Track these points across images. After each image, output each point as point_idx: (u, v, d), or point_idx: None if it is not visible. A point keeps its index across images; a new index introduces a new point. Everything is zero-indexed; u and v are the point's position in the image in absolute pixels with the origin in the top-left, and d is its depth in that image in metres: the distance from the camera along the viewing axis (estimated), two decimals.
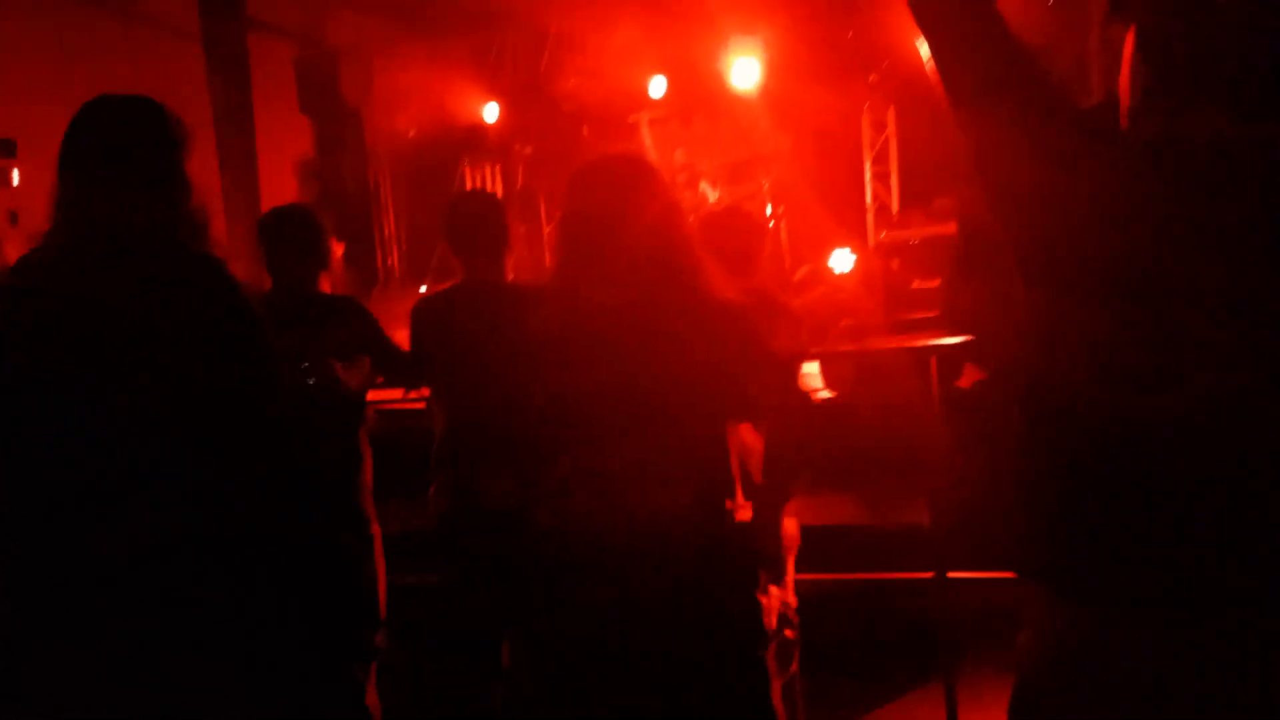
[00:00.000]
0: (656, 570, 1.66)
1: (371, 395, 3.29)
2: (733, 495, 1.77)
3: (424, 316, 2.91)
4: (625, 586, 1.66)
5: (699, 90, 9.11)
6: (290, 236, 2.80)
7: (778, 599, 1.82)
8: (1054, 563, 1.23)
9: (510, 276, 2.94)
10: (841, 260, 7.34)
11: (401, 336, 3.00)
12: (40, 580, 1.61)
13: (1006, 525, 1.30)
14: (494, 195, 3.09)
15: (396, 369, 2.99)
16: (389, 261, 10.73)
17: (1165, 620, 1.13)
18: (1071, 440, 1.20)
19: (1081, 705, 1.18)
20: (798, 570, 3.04)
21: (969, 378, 3.39)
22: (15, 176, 6.96)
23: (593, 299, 1.72)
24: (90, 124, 1.70)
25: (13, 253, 3.21)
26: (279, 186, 8.16)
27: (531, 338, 1.81)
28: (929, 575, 2.92)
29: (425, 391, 3.16)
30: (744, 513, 1.78)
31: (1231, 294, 1.11)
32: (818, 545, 2.54)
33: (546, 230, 9.31)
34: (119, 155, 1.67)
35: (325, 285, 2.87)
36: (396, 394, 3.81)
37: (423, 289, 8.96)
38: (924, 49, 1.28)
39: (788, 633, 2.94)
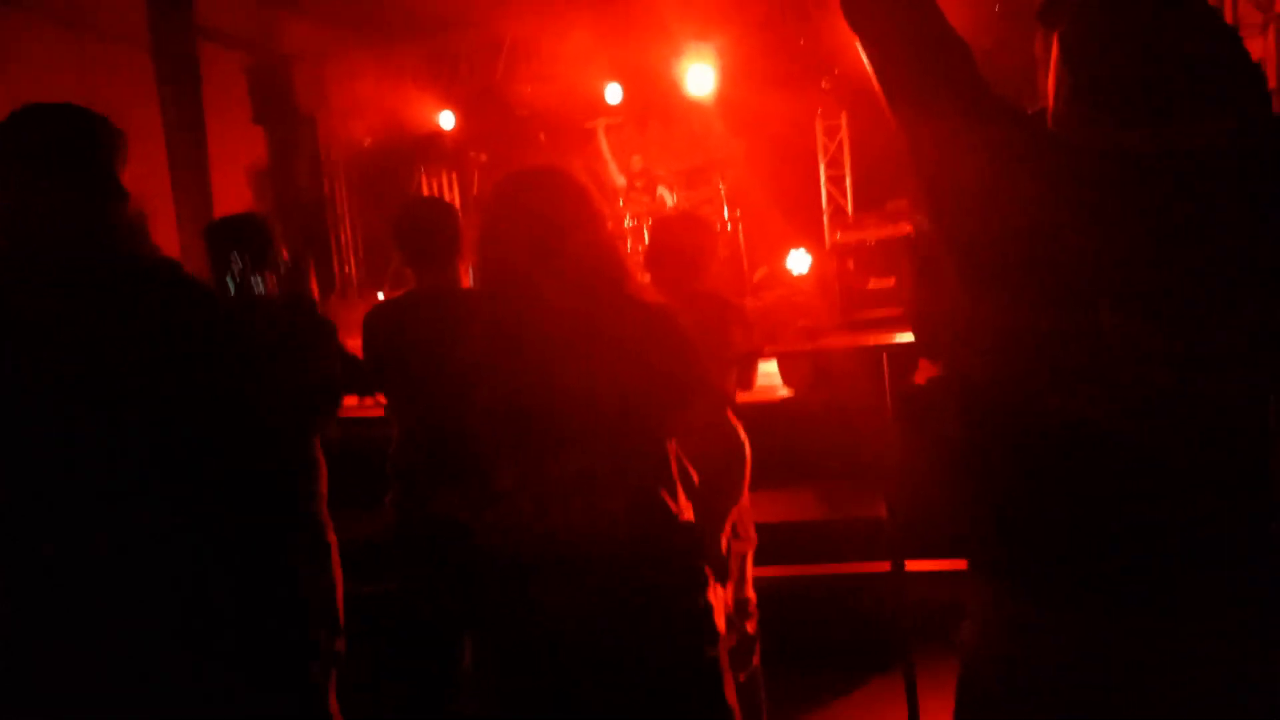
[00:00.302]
0: (600, 576, 1.68)
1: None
2: (674, 498, 1.78)
3: (376, 325, 2.90)
4: (570, 593, 1.67)
5: (655, 96, 9.16)
6: (237, 243, 2.78)
7: (724, 598, 1.83)
8: (991, 557, 1.26)
9: (465, 283, 2.94)
10: (798, 261, 7.42)
11: (357, 344, 2.98)
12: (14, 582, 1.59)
13: (952, 519, 1.33)
14: (445, 201, 3.07)
15: (350, 377, 2.97)
16: (345, 269, 10.64)
17: (1096, 614, 1.16)
18: (1005, 437, 1.23)
19: (1019, 694, 1.22)
20: (757, 565, 3.07)
21: (922, 375, 3.44)
22: None
23: (524, 309, 1.73)
24: (15, 133, 1.66)
25: None
26: (232, 195, 8.07)
27: (466, 349, 1.82)
28: (886, 568, 2.96)
29: (382, 399, 3.15)
30: (687, 514, 1.79)
31: (1157, 295, 1.14)
32: (777, 541, 2.57)
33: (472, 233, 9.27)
34: (47, 163, 1.64)
35: (273, 290, 2.85)
36: (352, 401, 3.79)
37: (380, 296, 8.90)
38: (860, 48, 1.31)
39: (748, 627, 2.97)
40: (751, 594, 3.01)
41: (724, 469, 1.92)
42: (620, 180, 8.63)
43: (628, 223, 8.17)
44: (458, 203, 10.25)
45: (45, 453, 1.58)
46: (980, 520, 1.28)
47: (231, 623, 1.66)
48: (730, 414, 2.87)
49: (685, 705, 1.73)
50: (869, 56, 1.30)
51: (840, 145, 8.97)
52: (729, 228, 8.21)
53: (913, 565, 2.97)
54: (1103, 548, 1.16)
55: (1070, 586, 1.18)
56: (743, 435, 2.86)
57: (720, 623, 1.80)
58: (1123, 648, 1.15)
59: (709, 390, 1.83)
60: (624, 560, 1.69)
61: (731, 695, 1.78)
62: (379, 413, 3.68)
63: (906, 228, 7.09)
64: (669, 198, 8.27)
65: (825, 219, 8.94)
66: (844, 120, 8.87)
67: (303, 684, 2.02)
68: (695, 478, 1.85)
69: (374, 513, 3.01)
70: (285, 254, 2.89)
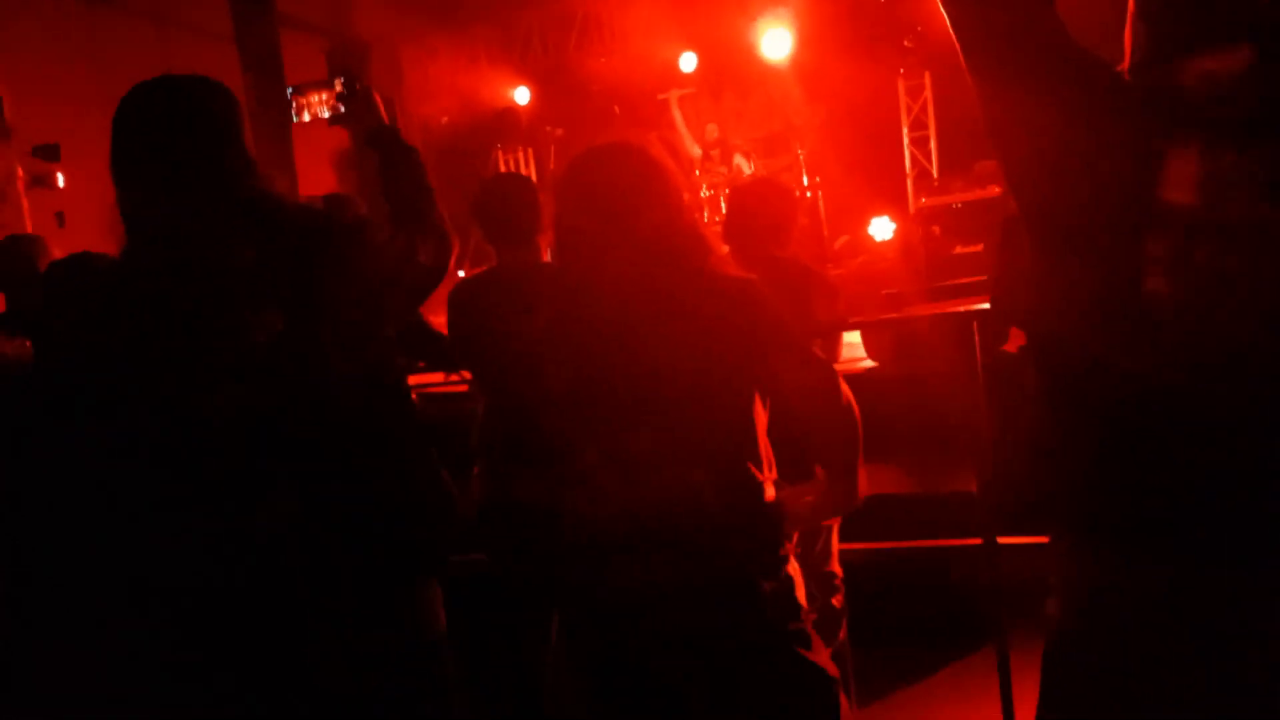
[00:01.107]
0: (685, 549, 1.67)
1: (414, 380, 3.32)
2: (759, 470, 1.75)
3: (459, 301, 2.92)
4: (655, 567, 1.66)
5: (729, 64, 9.04)
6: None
7: (800, 572, 1.80)
8: (1077, 522, 1.24)
9: (545, 258, 2.94)
10: (881, 228, 7.26)
11: (441, 322, 3.02)
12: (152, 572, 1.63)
13: (1040, 488, 1.30)
14: (524, 177, 3.07)
15: (435, 353, 3.01)
16: None
17: (1184, 572, 1.14)
18: (1087, 400, 1.21)
19: (1106, 660, 1.20)
20: (844, 540, 3.02)
21: (1014, 342, 3.33)
22: (60, 179, 7.11)
23: (600, 284, 1.72)
24: (138, 119, 1.64)
25: (61, 254, 3.28)
26: (316, 179, 8.25)
27: (541, 325, 1.81)
28: (978, 542, 2.89)
29: (467, 375, 3.18)
30: (770, 489, 1.76)
31: (1240, 239, 1.10)
32: (864, 515, 2.51)
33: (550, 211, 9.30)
34: (185, 129, 1.61)
35: None
36: (439, 378, 3.85)
37: (460, 274, 9.01)
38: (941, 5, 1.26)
39: (834, 601, 2.93)
40: (838, 568, 2.97)
41: (836, 440, 1.86)
42: (696, 150, 8.55)
43: (704, 193, 8.10)
44: (534, 178, 10.31)
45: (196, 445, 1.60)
46: (1066, 485, 1.26)
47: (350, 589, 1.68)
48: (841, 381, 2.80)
49: (772, 677, 1.71)
50: (949, 13, 1.27)
51: (924, 106, 8.72)
52: (809, 195, 8.07)
53: (1005, 539, 2.89)
54: (1190, 505, 1.13)
55: (1158, 546, 1.16)
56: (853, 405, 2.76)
57: (802, 596, 1.77)
58: (1211, 606, 1.13)
59: (794, 344, 1.78)
60: (709, 533, 1.68)
61: (825, 661, 1.75)
62: (464, 388, 3.73)
63: (995, 190, 6.87)
64: (746, 166, 8.16)
65: (909, 183, 8.72)
66: (928, 80, 8.62)
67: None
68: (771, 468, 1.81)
69: (462, 486, 3.06)
70: None
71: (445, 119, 10.43)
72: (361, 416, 1.67)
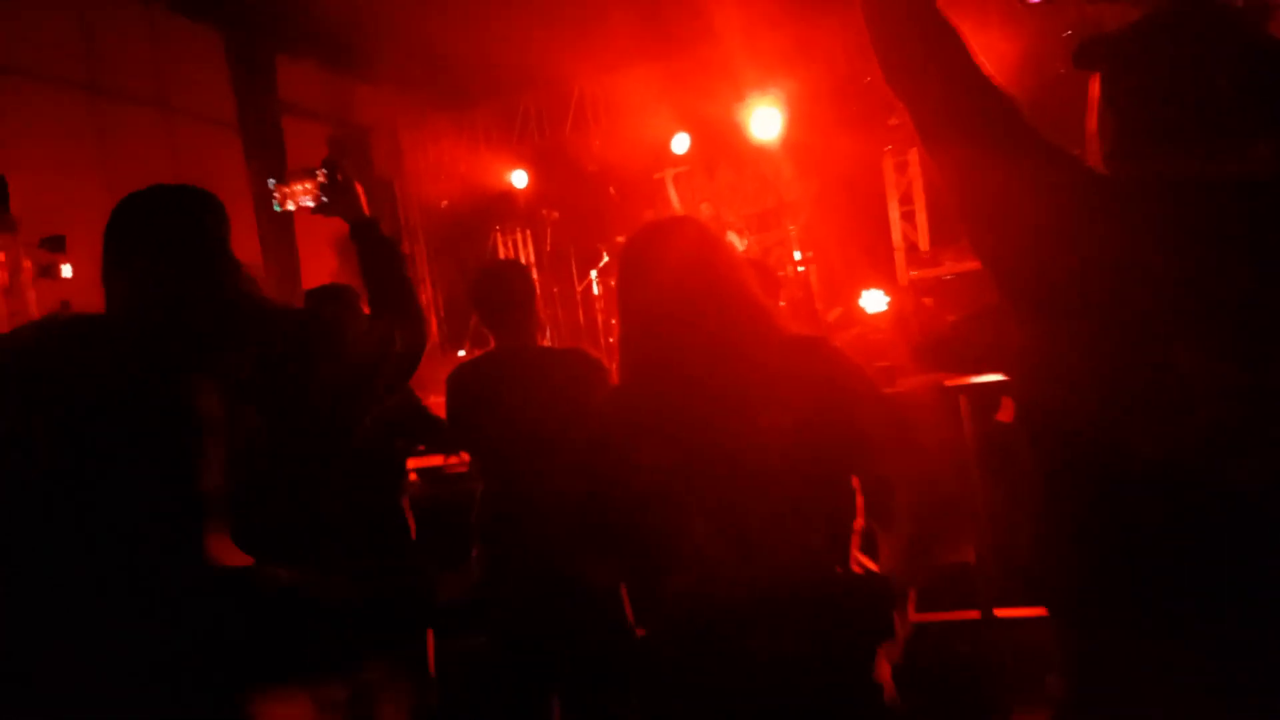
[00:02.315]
0: (812, 619, 1.63)
1: (413, 462, 3.35)
2: (854, 519, 1.74)
3: (459, 384, 2.98)
4: (783, 641, 1.61)
5: (721, 143, 9.24)
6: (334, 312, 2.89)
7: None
8: (1076, 599, 1.24)
9: (542, 340, 3.00)
10: (874, 301, 7.35)
11: (438, 402, 3.07)
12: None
13: (1036, 561, 1.31)
14: (519, 263, 3.14)
15: (434, 436, 3.05)
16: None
17: (1184, 649, 1.14)
18: (1077, 472, 1.22)
19: None
20: None
21: (1006, 412, 3.37)
22: (66, 270, 7.22)
23: (684, 358, 1.70)
24: (130, 218, 1.72)
25: None
26: (319, 264, 8.37)
27: (621, 407, 1.78)
28: (975, 615, 2.89)
29: (466, 456, 3.22)
30: (857, 537, 1.75)
31: (1224, 327, 1.13)
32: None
33: (579, 288, 9.42)
34: (165, 244, 1.69)
35: None
36: (438, 460, 3.88)
37: (461, 353, 9.09)
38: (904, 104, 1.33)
39: None
40: None
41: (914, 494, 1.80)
42: None
43: None
44: (531, 259, 10.46)
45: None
46: (1063, 561, 1.26)
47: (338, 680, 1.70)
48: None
49: None
50: (895, 88, 1.33)
51: (911, 182, 8.92)
52: (801, 269, 8.20)
53: (1002, 612, 2.88)
54: (1186, 582, 1.14)
55: (1157, 623, 1.16)
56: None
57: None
58: (1219, 679, 1.12)
59: (880, 394, 1.76)
60: (834, 599, 1.65)
61: None
62: (463, 469, 3.76)
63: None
64: (739, 243, 8.30)
65: (899, 256, 8.86)
66: (914, 156, 8.82)
67: None
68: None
69: (460, 568, 3.07)
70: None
71: (445, 202, 10.62)
72: (340, 505, 1.72)
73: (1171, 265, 1.16)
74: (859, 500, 1.75)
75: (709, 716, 1.68)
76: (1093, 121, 1.33)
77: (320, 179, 1.93)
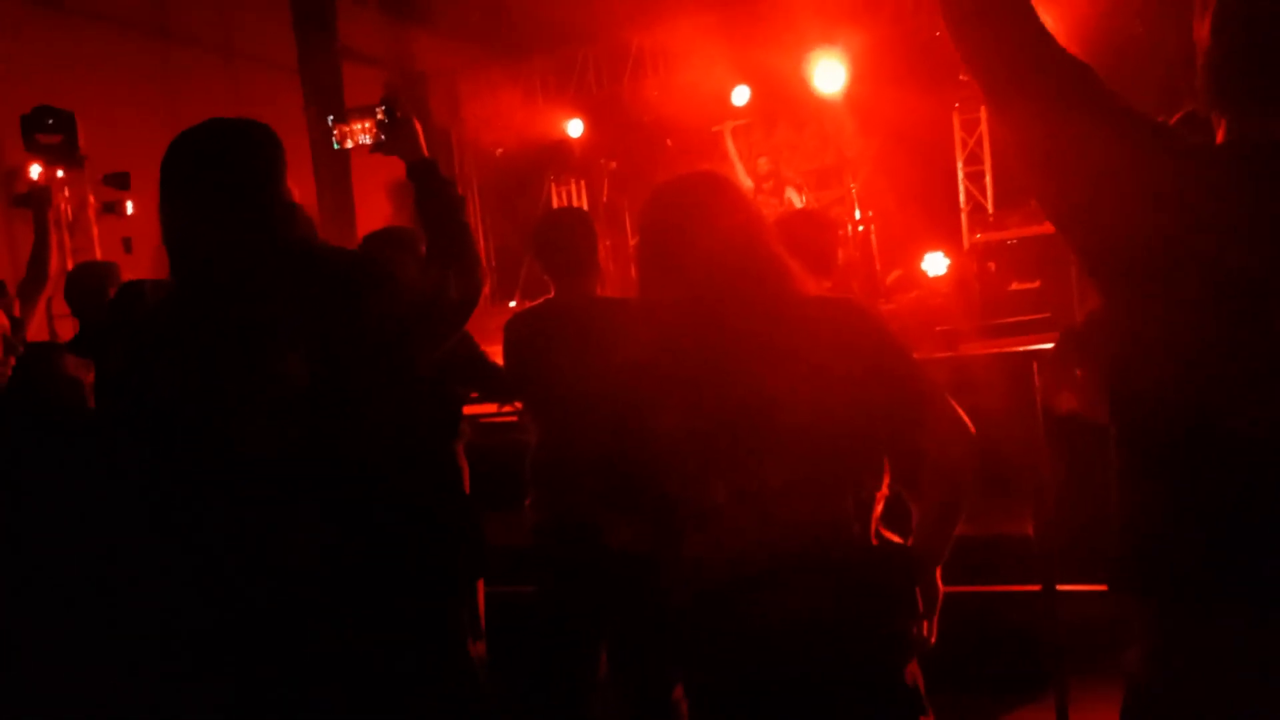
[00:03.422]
0: (834, 582, 1.60)
1: (467, 410, 3.35)
2: (878, 486, 1.69)
3: (517, 332, 2.95)
4: (791, 603, 1.60)
5: (782, 96, 9.06)
6: (390, 256, 2.87)
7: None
8: (1150, 570, 1.22)
9: (599, 291, 2.96)
10: (935, 263, 7.18)
11: (494, 351, 3.04)
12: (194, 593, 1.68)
13: (1109, 535, 1.26)
14: (582, 211, 3.11)
15: (490, 383, 3.04)
16: None
17: (1264, 618, 1.12)
18: (1173, 447, 1.18)
19: (1192, 708, 1.18)
20: None
21: (1068, 400, 3.26)
22: (129, 207, 7.33)
23: (710, 316, 1.67)
24: (187, 151, 1.72)
25: (127, 277, 3.39)
26: (375, 210, 8.40)
27: (646, 363, 1.75)
28: (1036, 588, 2.82)
29: (518, 405, 3.20)
30: (880, 504, 1.70)
31: None
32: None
33: (633, 242, 9.36)
34: (220, 178, 1.69)
35: None
36: (491, 408, 3.88)
37: (512, 304, 9.10)
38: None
39: None
40: None
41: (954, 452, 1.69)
42: (748, 183, 8.56)
43: None
44: (587, 209, 10.40)
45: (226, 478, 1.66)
46: (1154, 547, 1.22)
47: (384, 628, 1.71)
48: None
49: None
50: (961, 48, 1.28)
51: (980, 140, 8.67)
52: (861, 229, 8.03)
53: (1063, 586, 2.82)
54: (1268, 552, 1.11)
55: (1254, 605, 1.13)
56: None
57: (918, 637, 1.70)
58: None
59: (909, 354, 1.69)
60: (858, 564, 1.62)
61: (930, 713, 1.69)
62: (511, 419, 3.75)
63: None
64: (797, 199, 8.15)
65: (964, 218, 8.64)
66: (983, 114, 8.56)
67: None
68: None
69: (511, 516, 3.07)
70: None
71: (500, 150, 10.58)
72: (390, 453, 1.71)
73: (1264, 228, 1.10)
74: (885, 466, 1.71)
75: (722, 679, 1.68)
76: (1198, 83, 1.26)
77: (379, 117, 1.90)
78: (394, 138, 1.91)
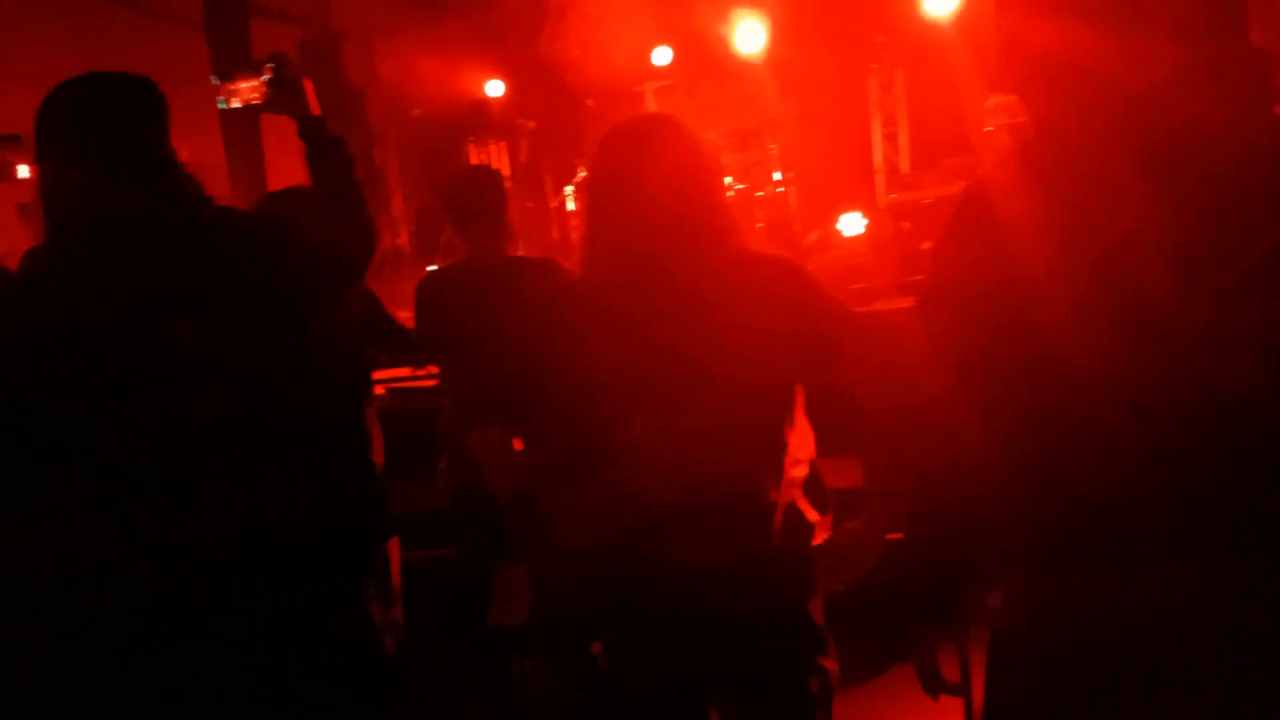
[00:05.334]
0: (735, 526, 1.66)
1: (380, 374, 3.30)
2: (789, 450, 1.74)
3: (428, 294, 2.91)
4: (707, 543, 1.64)
5: (704, 58, 9.01)
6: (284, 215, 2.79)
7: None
8: (1015, 528, 1.30)
9: (515, 250, 2.93)
10: (851, 224, 7.27)
11: (408, 316, 3.00)
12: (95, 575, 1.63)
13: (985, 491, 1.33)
14: (493, 169, 3.06)
15: (399, 346, 2.99)
16: (397, 241, 10.74)
17: (1116, 571, 1.22)
18: (1006, 417, 1.26)
19: (1051, 652, 1.27)
20: None
21: None
22: (21, 170, 6.98)
23: (648, 262, 1.69)
24: (64, 104, 1.66)
25: (22, 245, 3.24)
26: (286, 170, 8.16)
27: (572, 302, 1.77)
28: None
29: (435, 369, 3.16)
30: (799, 469, 1.75)
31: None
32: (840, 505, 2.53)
33: (553, 204, 9.28)
34: (101, 136, 1.63)
35: None
36: (405, 372, 3.83)
37: (432, 268, 8.95)
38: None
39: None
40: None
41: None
42: None
43: None
44: (506, 170, 10.26)
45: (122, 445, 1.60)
46: (1013, 514, 1.30)
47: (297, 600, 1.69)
48: None
49: (790, 657, 1.72)
50: None
51: (895, 102, 8.76)
52: (780, 190, 8.08)
53: None
54: (1124, 509, 1.21)
55: (1096, 546, 1.23)
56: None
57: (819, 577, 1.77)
58: (1151, 596, 1.21)
59: (864, 331, 1.74)
60: (760, 512, 1.67)
61: (834, 668, 1.76)
62: (430, 383, 3.71)
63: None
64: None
65: (880, 178, 8.76)
66: (899, 76, 8.66)
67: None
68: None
69: (427, 481, 3.05)
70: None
71: (418, 111, 10.35)
72: (289, 415, 1.68)
73: None
74: (807, 430, 1.76)
75: (633, 618, 1.72)
76: None
77: (267, 75, 1.84)
78: (282, 96, 1.86)
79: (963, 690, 1.47)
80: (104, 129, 1.64)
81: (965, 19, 7.00)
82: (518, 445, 1.87)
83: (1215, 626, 1.19)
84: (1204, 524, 1.20)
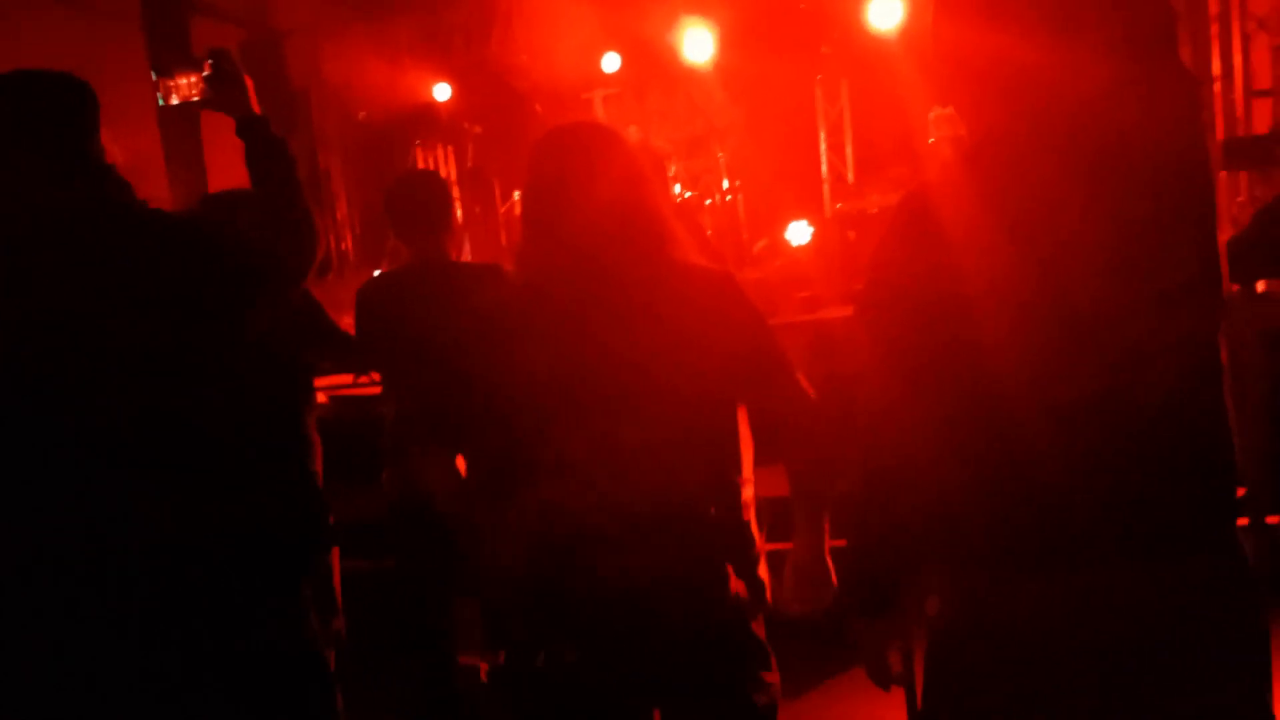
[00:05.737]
0: (672, 544, 1.64)
1: (322, 381, 3.24)
2: (739, 470, 1.74)
3: (370, 299, 2.87)
4: (639, 561, 1.62)
5: (652, 65, 9.05)
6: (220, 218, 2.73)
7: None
8: (953, 533, 1.32)
9: (460, 256, 2.90)
10: (798, 232, 7.35)
11: (351, 322, 2.95)
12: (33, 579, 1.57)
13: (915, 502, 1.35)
14: (435, 174, 3.03)
15: (339, 352, 2.94)
16: (341, 246, 10.58)
17: (1047, 577, 1.26)
18: (972, 419, 1.28)
19: (984, 653, 1.31)
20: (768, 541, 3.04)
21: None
22: None
23: (583, 273, 1.67)
24: None
25: None
26: (227, 173, 8.00)
27: (507, 312, 1.75)
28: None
29: (376, 376, 3.12)
30: (749, 489, 1.75)
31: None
32: (775, 516, 2.53)
33: (501, 210, 9.22)
34: (27, 133, 1.59)
35: None
36: (347, 379, 3.77)
37: (376, 274, 8.83)
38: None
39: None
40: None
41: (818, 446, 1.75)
42: None
43: None
44: (453, 175, 10.18)
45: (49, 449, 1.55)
46: (945, 519, 1.33)
47: (229, 607, 1.65)
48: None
49: (736, 676, 1.71)
50: None
51: (841, 112, 8.87)
52: (728, 198, 8.13)
53: None
54: (1056, 517, 1.25)
55: (1027, 554, 1.27)
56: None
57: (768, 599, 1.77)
58: (1078, 602, 1.25)
59: (785, 364, 1.74)
60: (693, 530, 1.66)
61: (776, 680, 1.76)
62: (374, 390, 3.65)
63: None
64: (668, 169, 8.19)
65: (826, 187, 8.86)
66: (844, 86, 8.77)
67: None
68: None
69: (369, 490, 3.00)
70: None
71: (363, 114, 10.22)
72: (220, 422, 1.64)
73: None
74: (747, 446, 1.76)
75: (549, 630, 1.70)
76: None
77: (206, 71, 1.79)
78: (222, 93, 1.82)
79: (905, 680, 1.49)
80: (29, 130, 1.59)
81: (909, 32, 7.12)
82: (461, 467, 1.83)
83: (1141, 632, 1.23)
84: (1133, 532, 1.23)
